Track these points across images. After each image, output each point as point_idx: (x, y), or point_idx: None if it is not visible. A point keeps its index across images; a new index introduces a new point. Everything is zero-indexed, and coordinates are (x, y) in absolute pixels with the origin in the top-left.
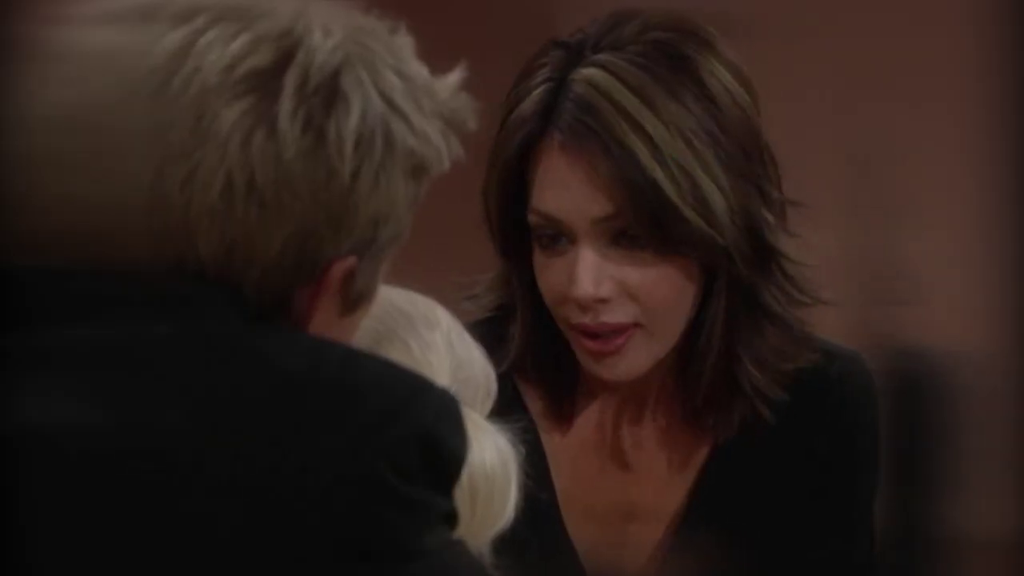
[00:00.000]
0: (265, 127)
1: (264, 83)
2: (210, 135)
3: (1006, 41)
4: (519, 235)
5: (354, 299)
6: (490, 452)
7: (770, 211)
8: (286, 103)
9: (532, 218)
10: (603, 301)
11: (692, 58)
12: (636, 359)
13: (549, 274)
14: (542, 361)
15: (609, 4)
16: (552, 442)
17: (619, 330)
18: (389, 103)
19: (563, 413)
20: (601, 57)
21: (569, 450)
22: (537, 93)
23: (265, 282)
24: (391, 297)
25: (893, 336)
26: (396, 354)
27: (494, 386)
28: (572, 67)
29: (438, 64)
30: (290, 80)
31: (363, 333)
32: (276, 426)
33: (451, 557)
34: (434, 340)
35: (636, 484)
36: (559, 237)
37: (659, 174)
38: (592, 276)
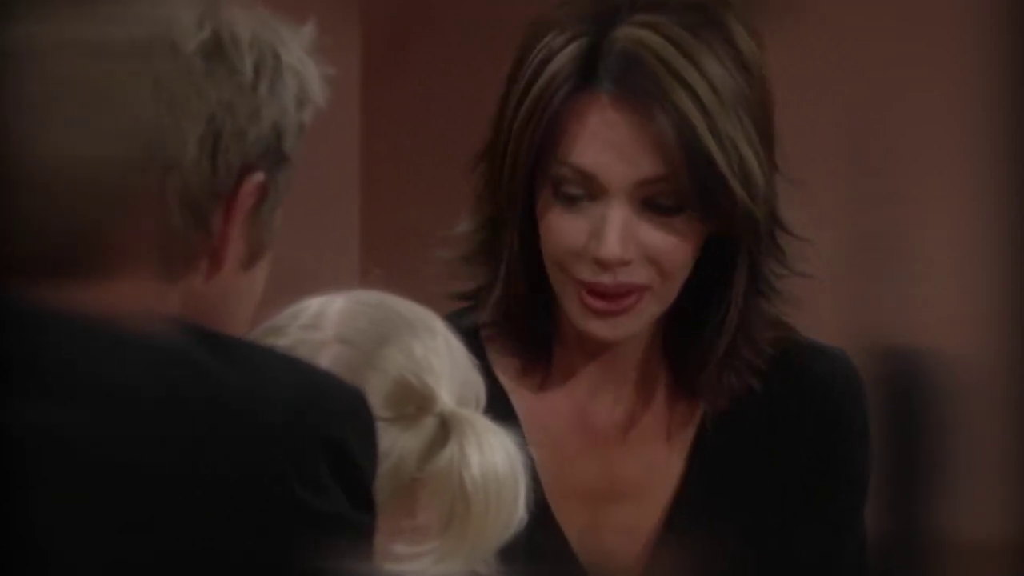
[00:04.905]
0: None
1: None
2: None
3: (1008, 40)
4: (527, 190)
5: (256, 243)
6: (500, 455)
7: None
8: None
9: (563, 171)
10: (626, 263)
11: (727, 24)
12: (639, 320)
13: (565, 229)
14: (521, 326)
15: None
16: (528, 418)
17: (632, 291)
18: (271, 28)
19: (537, 384)
20: (642, 16)
21: (547, 426)
22: (572, 48)
23: (187, 192)
24: (392, 304)
25: (889, 332)
26: (400, 356)
27: (484, 394)
28: (611, 25)
29: (440, 64)
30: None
31: (366, 336)
32: (191, 424)
33: None
34: (435, 345)
35: (619, 462)
36: (582, 194)
37: (712, 145)
38: (621, 237)
